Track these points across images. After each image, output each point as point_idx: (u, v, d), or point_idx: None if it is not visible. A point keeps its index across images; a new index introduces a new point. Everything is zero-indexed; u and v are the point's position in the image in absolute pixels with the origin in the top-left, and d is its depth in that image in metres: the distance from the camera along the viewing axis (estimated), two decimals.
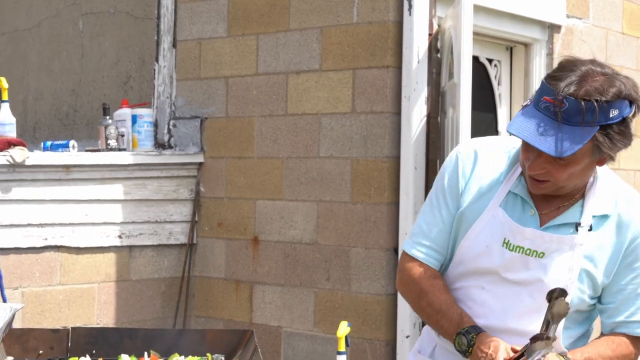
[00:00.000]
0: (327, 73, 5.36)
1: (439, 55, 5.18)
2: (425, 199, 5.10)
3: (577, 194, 2.46)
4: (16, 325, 4.82)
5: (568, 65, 2.32)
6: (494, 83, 5.63)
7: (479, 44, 5.44)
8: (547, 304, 2.29)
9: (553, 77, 2.30)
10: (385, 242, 5.11)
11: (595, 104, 2.24)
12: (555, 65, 5.56)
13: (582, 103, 2.23)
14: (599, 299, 2.53)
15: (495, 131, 5.61)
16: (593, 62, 2.33)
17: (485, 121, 5.54)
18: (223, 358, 3.15)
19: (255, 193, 5.66)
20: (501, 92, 5.65)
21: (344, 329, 3.76)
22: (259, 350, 3.06)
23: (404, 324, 5.07)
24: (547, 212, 2.46)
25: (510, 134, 2.32)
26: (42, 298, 5.23)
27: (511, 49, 5.74)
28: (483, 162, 2.52)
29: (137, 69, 6.71)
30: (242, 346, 3.29)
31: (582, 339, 2.58)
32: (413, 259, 2.57)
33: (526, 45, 5.85)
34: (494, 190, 2.48)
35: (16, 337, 3.29)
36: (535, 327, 2.36)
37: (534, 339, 2.29)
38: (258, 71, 5.65)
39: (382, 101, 5.14)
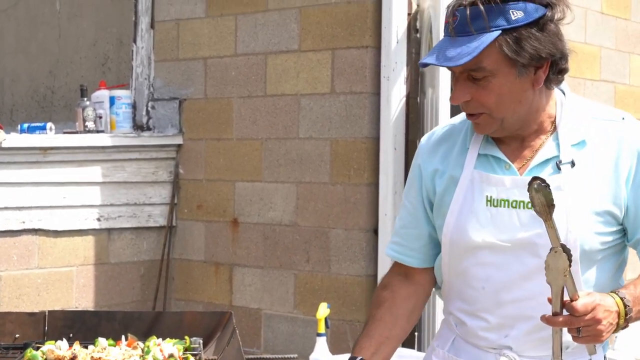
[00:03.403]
0: (306, 53, 5.33)
1: (418, 35, 5.15)
2: (405, 179, 5.10)
3: (545, 132, 2.34)
4: None
5: None
6: None
7: None
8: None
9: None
10: (365, 223, 5.10)
11: (482, 7, 2.16)
12: None
13: (468, 10, 2.17)
14: (627, 237, 2.33)
15: None
16: None
17: None
18: (201, 341, 3.12)
19: (234, 175, 5.62)
20: None
21: (323, 310, 3.76)
22: (237, 332, 3.04)
23: None
24: (522, 162, 2.33)
25: (422, 65, 2.27)
26: (20, 282, 5.19)
27: None
28: (441, 139, 2.47)
29: (115, 50, 6.66)
30: (220, 328, 3.27)
31: (618, 272, 2.40)
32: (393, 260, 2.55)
33: None
34: (463, 158, 2.38)
35: None
36: (547, 288, 2.10)
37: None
38: (237, 52, 5.61)
39: (361, 81, 5.12)
